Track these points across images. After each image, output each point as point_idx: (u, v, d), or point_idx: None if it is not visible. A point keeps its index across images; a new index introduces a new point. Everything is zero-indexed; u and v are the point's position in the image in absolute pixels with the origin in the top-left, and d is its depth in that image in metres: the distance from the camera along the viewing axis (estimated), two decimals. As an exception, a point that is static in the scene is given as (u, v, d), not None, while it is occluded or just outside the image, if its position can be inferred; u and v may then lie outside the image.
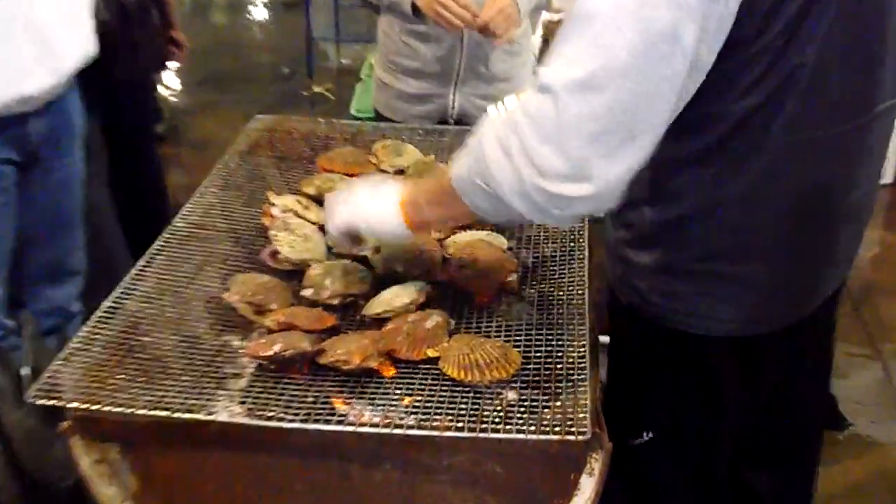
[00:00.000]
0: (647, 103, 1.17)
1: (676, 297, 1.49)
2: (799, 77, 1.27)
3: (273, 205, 1.87)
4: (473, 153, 1.28)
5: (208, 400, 1.38)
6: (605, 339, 1.78)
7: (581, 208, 1.23)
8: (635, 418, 1.64)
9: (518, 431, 1.31)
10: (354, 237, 1.57)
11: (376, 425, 1.34)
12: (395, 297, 1.58)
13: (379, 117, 2.69)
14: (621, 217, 1.53)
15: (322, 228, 1.77)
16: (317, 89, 5.89)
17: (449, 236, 1.79)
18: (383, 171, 2.02)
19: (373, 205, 1.49)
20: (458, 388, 1.40)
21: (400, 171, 2.01)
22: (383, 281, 1.66)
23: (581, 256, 1.70)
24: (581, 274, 1.65)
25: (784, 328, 1.51)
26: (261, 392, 1.40)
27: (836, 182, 1.41)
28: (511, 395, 1.38)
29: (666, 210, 1.43)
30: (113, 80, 2.82)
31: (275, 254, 1.70)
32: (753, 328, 1.49)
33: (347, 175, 1.99)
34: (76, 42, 2.19)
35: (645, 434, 1.64)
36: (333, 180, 1.94)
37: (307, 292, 1.61)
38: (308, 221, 1.80)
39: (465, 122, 2.52)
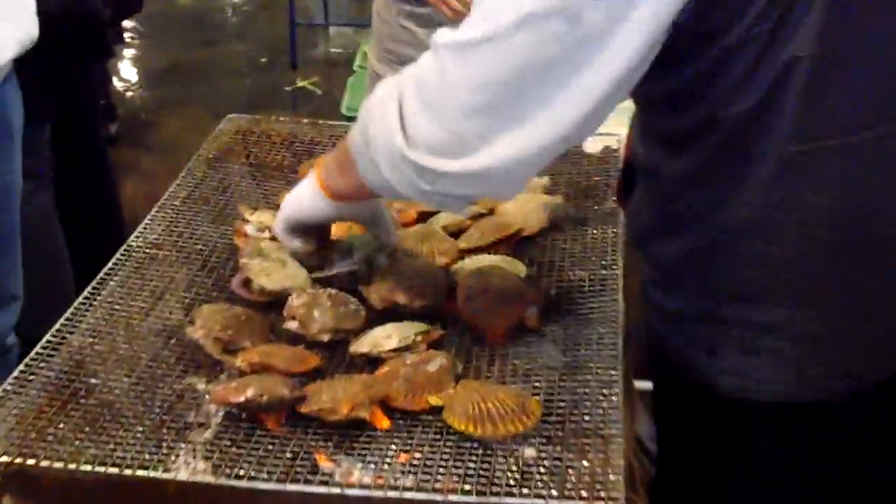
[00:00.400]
0: (532, 83, 1.22)
1: (702, 350, 1.47)
2: (796, 74, 1.25)
3: (247, 222, 1.88)
4: (363, 112, 1.40)
5: (167, 454, 1.38)
6: (644, 384, 1.78)
7: (453, 188, 1.32)
8: (680, 493, 1.63)
9: (537, 496, 1.30)
10: (301, 231, 1.71)
11: (367, 486, 1.34)
12: (387, 336, 1.58)
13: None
14: (642, 251, 1.54)
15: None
16: (301, 83, 5.92)
17: (456, 261, 1.79)
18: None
19: (300, 185, 1.65)
20: (465, 444, 1.40)
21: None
22: (382, 315, 1.66)
23: (615, 286, 1.71)
24: (614, 307, 1.65)
25: (853, 393, 1.45)
26: (230, 446, 1.40)
27: (888, 205, 1.35)
28: (529, 453, 1.38)
29: (679, 242, 1.43)
30: (59, 68, 2.84)
31: (247, 282, 1.71)
32: (804, 393, 1.43)
33: None
34: (14, 24, 2.20)
35: None
36: None
37: (292, 325, 1.62)
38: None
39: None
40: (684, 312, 1.48)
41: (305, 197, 1.63)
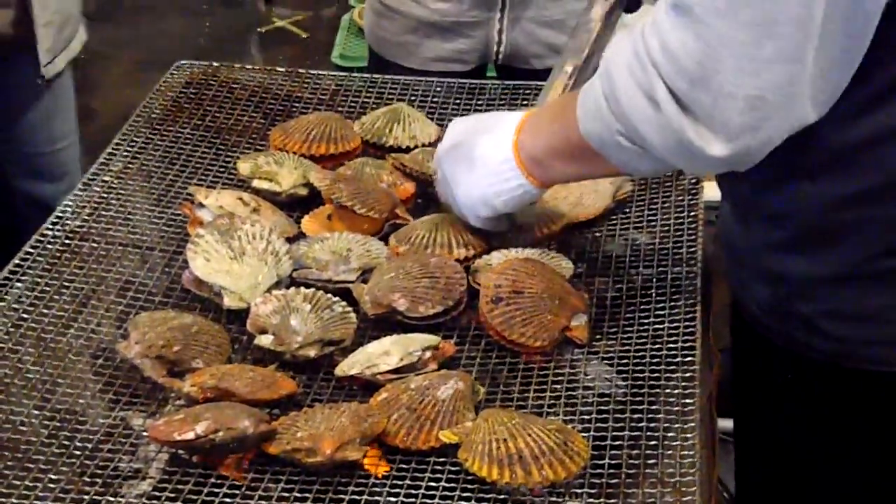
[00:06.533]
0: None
1: (865, 319, 1.57)
2: None
3: (201, 205, 1.89)
4: (603, 100, 1.51)
5: (91, 511, 1.41)
6: (728, 423, 1.80)
7: (719, 167, 1.50)
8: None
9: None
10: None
11: (357, 553, 1.36)
12: (384, 353, 1.61)
13: (377, 64, 2.70)
14: (762, 204, 1.61)
15: (289, 240, 1.82)
16: (279, 23, 5.93)
17: (479, 254, 1.81)
18: (377, 155, 2.05)
19: (485, 164, 1.75)
20: (487, 495, 1.42)
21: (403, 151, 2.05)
22: (377, 325, 1.69)
23: (692, 287, 1.72)
24: (690, 316, 1.67)
25: None
26: (174, 499, 1.42)
27: None
28: (573, 508, 1.40)
29: (839, 182, 1.52)
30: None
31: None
32: None
33: (310, 157, 2.02)
34: None
35: None
36: (281, 163, 1.98)
37: (265, 340, 1.64)
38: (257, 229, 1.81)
39: (518, 67, 2.56)
40: (825, 273, 1.58)
41: (507, 186, 1.73)
